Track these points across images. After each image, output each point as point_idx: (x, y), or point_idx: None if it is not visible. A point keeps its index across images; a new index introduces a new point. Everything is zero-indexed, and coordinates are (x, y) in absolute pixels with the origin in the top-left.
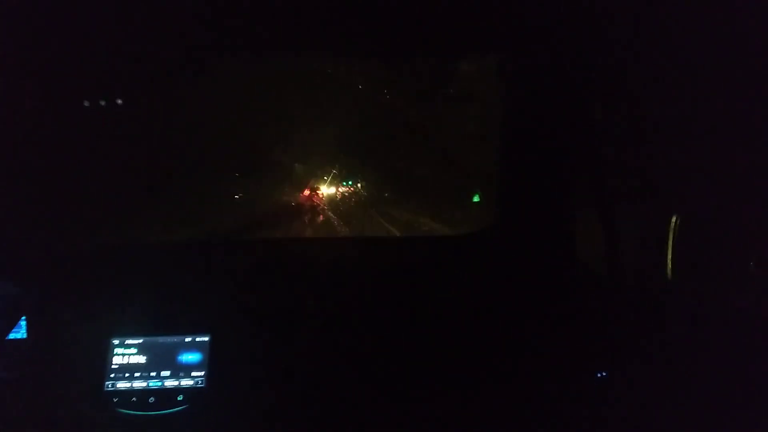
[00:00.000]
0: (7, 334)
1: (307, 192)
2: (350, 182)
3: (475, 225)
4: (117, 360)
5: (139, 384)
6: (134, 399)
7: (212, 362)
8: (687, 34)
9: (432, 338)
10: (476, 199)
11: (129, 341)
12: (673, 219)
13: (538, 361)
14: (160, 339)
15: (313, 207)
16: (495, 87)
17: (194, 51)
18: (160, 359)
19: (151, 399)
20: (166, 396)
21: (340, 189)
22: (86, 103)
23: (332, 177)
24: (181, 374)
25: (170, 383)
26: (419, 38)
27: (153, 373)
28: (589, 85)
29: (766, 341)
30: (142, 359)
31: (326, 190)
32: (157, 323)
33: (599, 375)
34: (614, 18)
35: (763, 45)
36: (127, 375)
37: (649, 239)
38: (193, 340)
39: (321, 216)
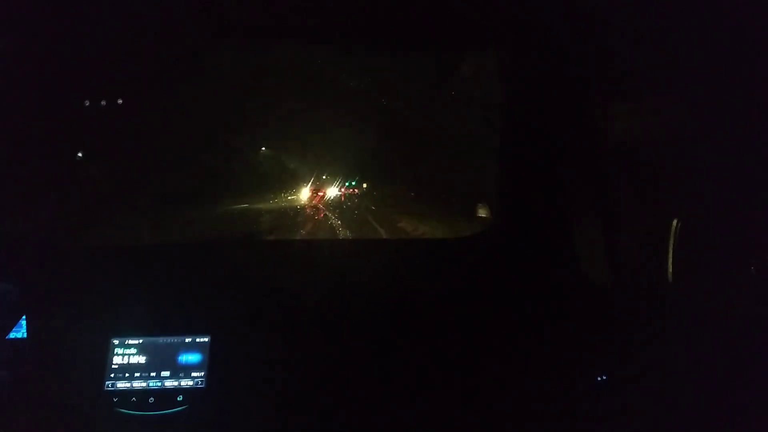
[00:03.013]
0: (8, 333)
1: (309, 193)
2: (353, 183)
3: (475, 228)
4: (117, 360)
5: (139, 384)
6: (134, 399)
7: (212, 363)
8: (688, 36)
9: (432, 342)
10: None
11: (129, 341)
12: (674, 222)
13: (538, 364)
14: (161, 339)
15: (315, 207)
16: (495, 89)
17: (194, 45)
18: (160, 359)
19: (151, 399)
20: (165, 396)
21: (342, 190)
22: (86, 103)
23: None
24: (181, 375)
25: (170, 383)
26: (418, 33)
27: (153, 374)
28: (590, 88)
29: (766, 344)
30: (142, 359)
31: (329, 191)
32: (158, 324)
33: (599, 378)
34: (615, 20)
35: (762, 49)
36: (127, 375)
37: (650, 243)
38: (193, 341)
39: (321, 214)
